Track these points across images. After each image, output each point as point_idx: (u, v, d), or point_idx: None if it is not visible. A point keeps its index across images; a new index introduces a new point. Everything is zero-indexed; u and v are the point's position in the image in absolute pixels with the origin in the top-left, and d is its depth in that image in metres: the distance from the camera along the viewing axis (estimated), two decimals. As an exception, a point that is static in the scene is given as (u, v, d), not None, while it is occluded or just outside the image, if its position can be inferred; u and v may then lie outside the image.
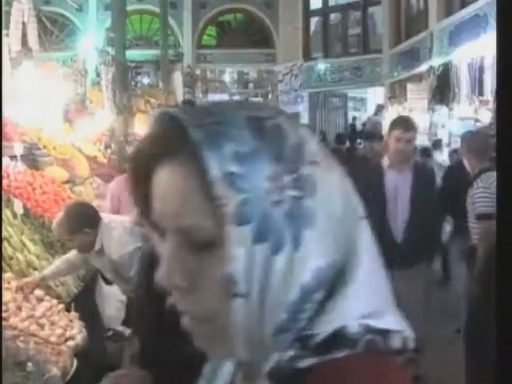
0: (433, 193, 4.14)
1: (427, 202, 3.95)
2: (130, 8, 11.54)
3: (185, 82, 15.46)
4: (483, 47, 8.54)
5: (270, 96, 17.66)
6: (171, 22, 15.51)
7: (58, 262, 3.74)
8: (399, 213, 3.94)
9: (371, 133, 10.12)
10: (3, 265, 3.66)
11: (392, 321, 0.63)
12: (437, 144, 9.47)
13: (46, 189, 5.15)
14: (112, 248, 3.39)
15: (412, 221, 3.91)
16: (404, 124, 4.02)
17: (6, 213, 4.21)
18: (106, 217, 3.53)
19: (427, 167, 4.82)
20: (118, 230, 3.44)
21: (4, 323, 2.86)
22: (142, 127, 10.66)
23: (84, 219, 3.34)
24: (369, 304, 0.63)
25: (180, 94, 13.33)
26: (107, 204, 4.73)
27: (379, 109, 15.27)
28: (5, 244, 3.86)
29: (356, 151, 10.02)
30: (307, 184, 0.60)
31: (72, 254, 3.67)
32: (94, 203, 5.76)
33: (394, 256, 3.65)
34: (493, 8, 8.15)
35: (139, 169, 0.66)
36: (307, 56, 16.72)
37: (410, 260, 3.86)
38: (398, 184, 3.97)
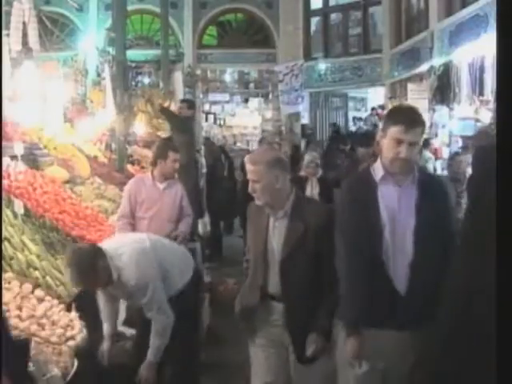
0: (447, 216, 2.70)
1: (440, 230, 2.61)
2: (130, 8, 11.52)
3: (185, 82, 15.44)
4: (483, 47, 8.53)
5: (270, 96, 17.66)
6: (172, 21, 15.50)
7: (105, 312, 3.67)
8: (400, 246, 2.61)
9: (361, 136, 9.99)
10: (3, 265, 3.65)
11: None
12: (425, 143, 9.36)
13: (47, 189, 5.15)
14: (128, 274, 3.34)
15: (419, 260, 2.59)
16: (407, 117, 2.61)
17: (7, 213, 4.21)
18: (108, 246, 3.46)
19: (437, 179, 3.08)
20: (127, 253, 3.39)
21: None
22: (142, 127, 10.68)
23: (89, 257, 3.27)
24: None
25: (180, 94, 13.31)
26: (124, 203, 4.71)
27: (380, 108, 15.22)
28: (5, 244, 3.85)
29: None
30: None
31: (100, 297, 3.65)
32: (95, 203, 5.78)
33: (398, 312, 2.59)
34: (493, 8, 8.14)
35: None
36: (308, 56, 16.70)
37: (421, 317, 2.43)
38: (396, 203, 2.63)
